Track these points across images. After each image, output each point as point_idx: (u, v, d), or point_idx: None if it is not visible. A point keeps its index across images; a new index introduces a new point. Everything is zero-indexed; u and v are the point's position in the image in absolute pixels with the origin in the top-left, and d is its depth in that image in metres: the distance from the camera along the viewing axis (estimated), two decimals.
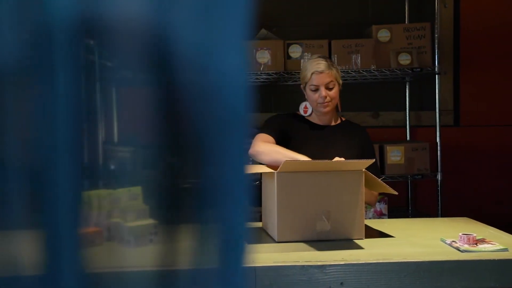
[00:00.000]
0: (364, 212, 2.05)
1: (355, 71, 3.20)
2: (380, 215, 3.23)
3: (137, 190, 2.35)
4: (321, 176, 2.00)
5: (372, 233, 2.15)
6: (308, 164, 2.05)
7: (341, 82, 2.53)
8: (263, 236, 2.13)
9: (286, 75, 3.26)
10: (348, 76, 3.32)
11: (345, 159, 2.32)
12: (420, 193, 3.72)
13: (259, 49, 3.20)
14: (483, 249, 1.80)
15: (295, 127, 2.54)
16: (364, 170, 2.06)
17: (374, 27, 3.29)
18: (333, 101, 2.49)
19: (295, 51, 3.22)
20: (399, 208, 3.67)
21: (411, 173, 3.24)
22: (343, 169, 2.02)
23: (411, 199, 3.70)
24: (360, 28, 3.49)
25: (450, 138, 3.68)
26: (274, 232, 2.03)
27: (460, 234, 1.90)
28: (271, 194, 2.06)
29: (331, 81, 2.46)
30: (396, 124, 3.72)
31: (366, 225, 2.30)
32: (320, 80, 2.46)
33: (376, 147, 3.27)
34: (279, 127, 2.51)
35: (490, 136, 3.72)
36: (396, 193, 2.13)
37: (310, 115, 2.58)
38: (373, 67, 3.22)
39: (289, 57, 3.22)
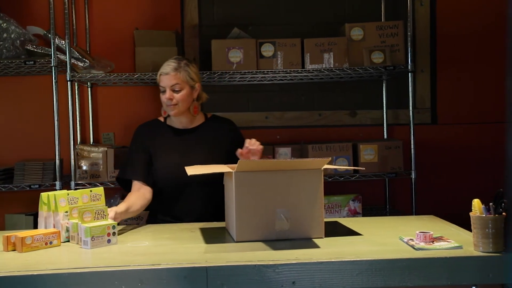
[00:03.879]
0: (323, 211, 2.04)
1: (328, 69, 3.19)
2: (354, 214, 3.22)
3: (99, 190, 2.35)
4: (280, 175, 1.99)
5: (335, 231, 2.14)
6: (266, 163, 2.05)
7: (196, 85, 2.53)
8: (225, 236, 2.12)
9: (259, 75, 3.25)
10: (323, 75, 3.32)
11: (212, 158, 2.38)
12: (398, 192, 3.71)
13: (231, 48, 3.19)
14: (438, 247, 1.79)
15: (155, 141, 2.55)
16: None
17: (347, 25, 3.28)
18: (181, 104, 2.49)
19: (267, 50, 3.21)
20: (377, 207, 3.66)
21: (385, 171, 3.24)
22: (301, 168, 2.01)
23: (389, 198, 3.69)
24: (336, 26, 3.48)
25: (428, 136, 3.68)
26: (233, 231, 2.02)
27: (417, 232, 1.89)
28: (230, 194, 2.06)
29: (177, 83, 2.47)
30: (373, 122, 3.71)
31: (335, 223, 2.30)
32: (165, 82, 2.48)
33: (350, 145, 3.26)
34: (141, 160, 2.52)
35: (467, 134, 3.72)
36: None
37: (168, 116, 2.59)
38: (345, 65, 3.21)
39: (261, 56, 3.21)
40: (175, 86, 2.47)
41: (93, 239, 1.94)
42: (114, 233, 2.01)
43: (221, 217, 2.38)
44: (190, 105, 2.53)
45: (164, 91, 2.49)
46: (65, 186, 3.09)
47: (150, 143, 2.54)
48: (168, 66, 2.48)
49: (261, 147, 2.38)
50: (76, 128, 3.51)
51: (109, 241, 1.99)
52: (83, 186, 3.08)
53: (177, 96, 2.47)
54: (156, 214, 2.56)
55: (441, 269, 1.69)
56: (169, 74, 2.46)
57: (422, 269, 1.70)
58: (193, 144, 2.53)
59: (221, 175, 2.27)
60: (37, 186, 3.07)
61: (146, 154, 2.52)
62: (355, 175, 3.24)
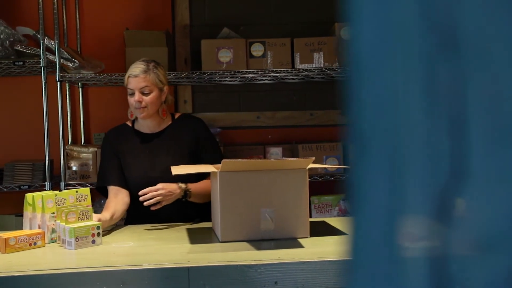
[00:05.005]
0: (308, 211, 2.04)
1: (318, 69, 3.19)
2: (345, 213, 3.22)
3: (85, 191, 2.34)
4: (264, 175, 1.99)
5: (321, 231, 2.14)
6: (251, 163, 2.04)
7: (165, 87, 2.47)
8: (211, 236, 2.12)
9: (249, 74, 3.25)
10: (313, 75, 3.31)
11: (176, 161, 2.38)
12: None
13: (221, 48, 3.19)
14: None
15: (123, 146, 2.51)
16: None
17: (337, 24, 3.28)
18: (150, 107, 2.42)
19: (257, 49, 3.20)
20: None
21: None
22: (286, 168, 2.01)
23: None
24: (326, 26, 3.48)
25: None
26: (218, 232, 2.01)
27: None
28: (215, 194, 2.05)
29: (147, 86, 2.40)
30: None
31: (322, 223, 2.29)
32: (134, 84, 2.41)
33: (340, 145, 3.26)
34: (114, 164, 2.48)
35: None
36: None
37: (136, 119, 2.55)
38: (336, 65, 3.21)
39: (251, 56, 3.21)
40: (144, 89, 2.40)
41: (77, 239, 1.94)
42: (98, 234, 2.00)
43: (191, 219, 2.38)
44: (159, 108, 2.49)
45: (133, 94, 2.42)
46: (55, 186, 3.08)
47: (118, 149, 2.51)
48: (137, 68, 2.42)
49: (158, 198, 2.23)
50: (67, 128, 3.50)
51: (93, 241, 1.98)
52: (73, 186, 3.08)
53: (146, 98, 2.40)
54: (131, 216, 2.54)
55: None
56: (138, 76, 2.40)
57: None
58: (158, 148, 2.48)
59: (191, 177, 2.28)
60: (26, 186, 3.07)
61: (118, 158, 2.50)
62: (345, 174, 3.23)
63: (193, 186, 2.32)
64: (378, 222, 0.60)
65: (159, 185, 2.24)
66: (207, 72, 3.17)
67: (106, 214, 2.21)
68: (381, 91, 0.62)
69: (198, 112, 3.66)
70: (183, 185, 2.30)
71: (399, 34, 0.58)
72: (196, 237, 2.10)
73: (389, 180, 0.59)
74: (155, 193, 2.22)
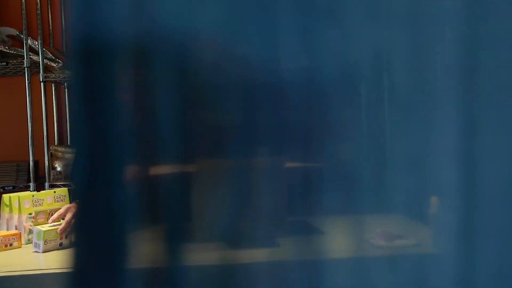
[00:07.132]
0: None
1: None
2: None
3: (63, 191, 2.32)
4: None
5: None
6: None
7: None
8: None
9: None
10: None
11: None
12: None
13: None
14: (396, 245, 1.78)
15: None
16: None
17: None
18: None
19: None
20: None
21: None
22: None
23: None
24: None
25: None
26: None
27: (377, 230, 1.88)
28: None
29: None
30: None
31: None
32: None
33: None
34: None
35: None
36: None
37: None
38: None
39: None
40: None
41: (46, 242, 1.91)
42: (67, 236, 1.97)
43: None
44: None
45: None
46: (40, 187, 3.07)
47: None
48: None
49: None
50: (53, 129, 3.49)
51: (61, 244, 1.95)
52: (58, 187, 3.07)
53: None
54: None
55: None
56: None
57: None
58: None
59: None
60: (11, 187, 3.06)
61: None
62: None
63: None
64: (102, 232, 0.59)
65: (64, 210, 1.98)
66: None
67: None
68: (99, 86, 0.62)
69: None
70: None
71: (107, 37, 0.58)
72: None
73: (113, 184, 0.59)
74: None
